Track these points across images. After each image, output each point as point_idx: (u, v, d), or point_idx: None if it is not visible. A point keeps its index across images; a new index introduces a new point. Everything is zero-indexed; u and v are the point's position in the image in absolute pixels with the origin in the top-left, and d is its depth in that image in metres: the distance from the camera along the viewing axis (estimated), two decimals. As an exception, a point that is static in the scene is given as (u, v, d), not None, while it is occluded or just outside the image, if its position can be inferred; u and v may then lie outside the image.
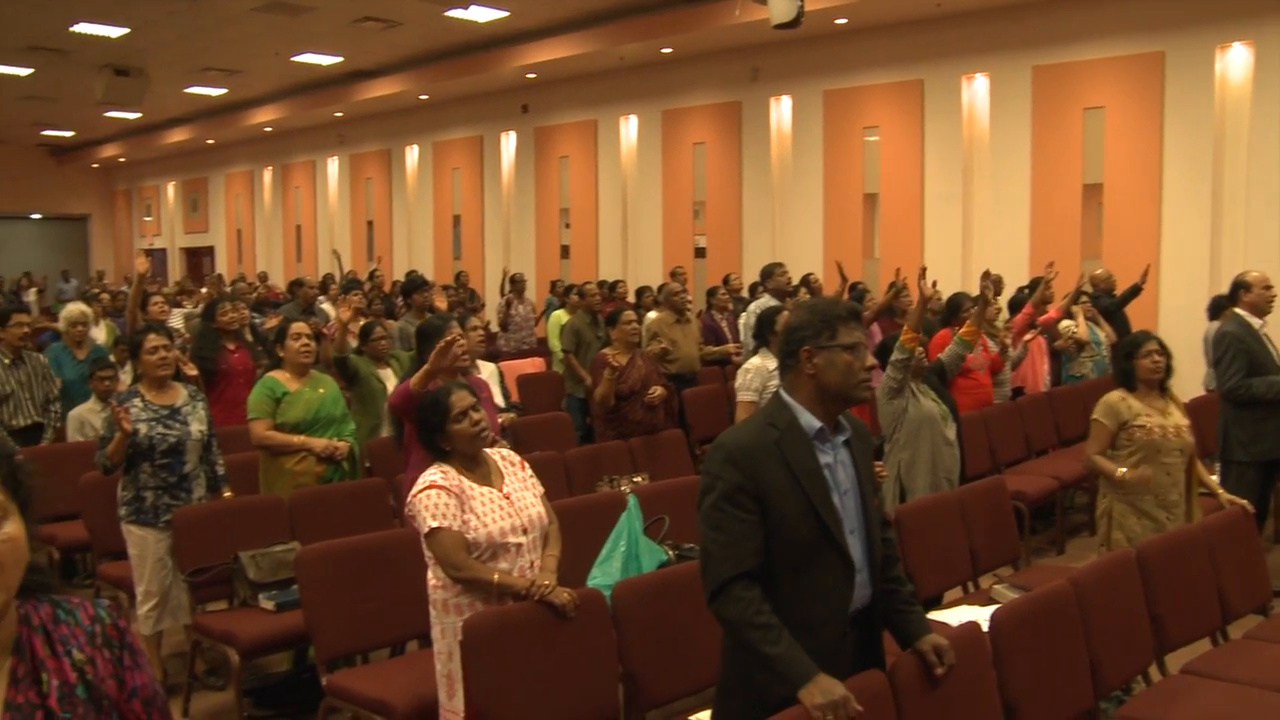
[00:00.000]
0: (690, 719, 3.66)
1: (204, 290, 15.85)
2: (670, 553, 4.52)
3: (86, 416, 6.99)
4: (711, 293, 10.53)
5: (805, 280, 10.68)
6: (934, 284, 6.54)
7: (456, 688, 3.63)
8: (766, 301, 8.71)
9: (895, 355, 5.36)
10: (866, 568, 2.89)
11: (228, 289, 15.52)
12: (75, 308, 8.26)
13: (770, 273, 9.41)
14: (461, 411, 3.76)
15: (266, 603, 4.84)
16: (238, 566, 4.93)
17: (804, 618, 2.76)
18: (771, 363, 5.73)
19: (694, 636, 3.86)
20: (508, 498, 3.76)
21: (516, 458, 4.00)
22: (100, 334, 9.80)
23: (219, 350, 7.10)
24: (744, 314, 9.69)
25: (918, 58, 12.43)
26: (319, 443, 5.58)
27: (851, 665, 2.87)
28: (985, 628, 3.50)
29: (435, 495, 3.65)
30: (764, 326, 6.21)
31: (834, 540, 2.79)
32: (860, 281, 10.99)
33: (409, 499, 3.74)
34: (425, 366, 4.84)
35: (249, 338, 8.36)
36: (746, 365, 6.11)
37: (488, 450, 3.90)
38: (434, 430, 3.79)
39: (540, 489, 3.94)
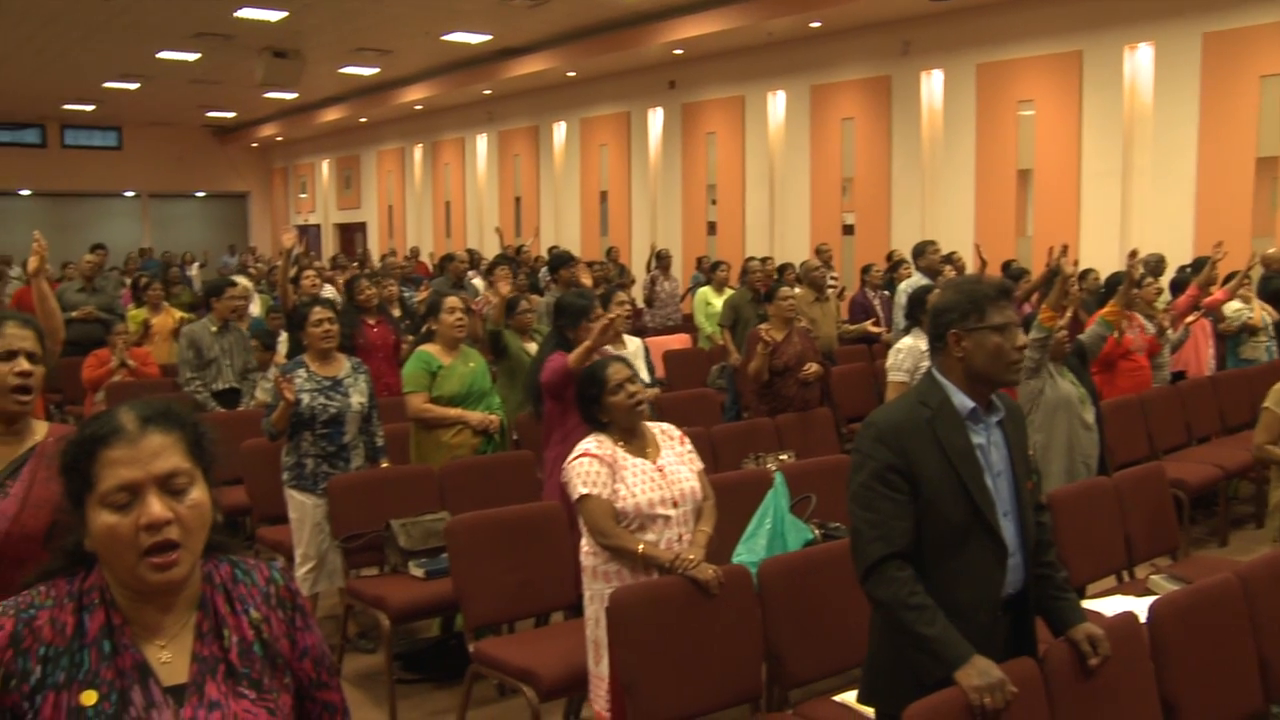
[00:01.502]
0: (834, 699, 3.65)
1: (354, 265, 16.30)
2: (816, 531, 4.48)
3: (247, 386, 7.26)
4: (866, 269, 10.39)
5: (948, 258, 10.45)
6: (1075, 262, 6.34)
7: (603, 654, 3.68)
8: (916, 280, 8.54)
9: (1032, 334, 5.20)
10: (1020, 551, 2.84)
11: (376, 265, 15.93)
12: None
13: (922, 250, 9.24)
14: (618, 384, 3.82)
15: (416, 570, 4.95)
16: (389, 534, 5.05)
17: (955, 601, 2.72)
18: (923, 343, 5.63)
19: (840, 616, 3.83)
20: (660, 470, 3.80)
21: (677, 432, 4.03)
22: (255, 307, 10.16)
23: (357, 326, 7.31)
24: (895, 292, 9.54)
25: (1076, 28, 11.96)
26: (475, 416, 5.68)
27: (1003, 651, 2.81)
28: (1142, 619, 3.38)
29: (588, 463, 3.73)
30: (915, 306, 6.10)
31: (986, 522, 2.75)
32: (1015, 260, 10.69)
33: (565, 465, 3.82)
34: (586, 343, 5.00)
35: (396, 312, 8.58)
36: (899, 345, 6.01)
37: (648, 424, 3.95)
38: (591, 402, 3.87)
39: (699, 464, 3.97)
